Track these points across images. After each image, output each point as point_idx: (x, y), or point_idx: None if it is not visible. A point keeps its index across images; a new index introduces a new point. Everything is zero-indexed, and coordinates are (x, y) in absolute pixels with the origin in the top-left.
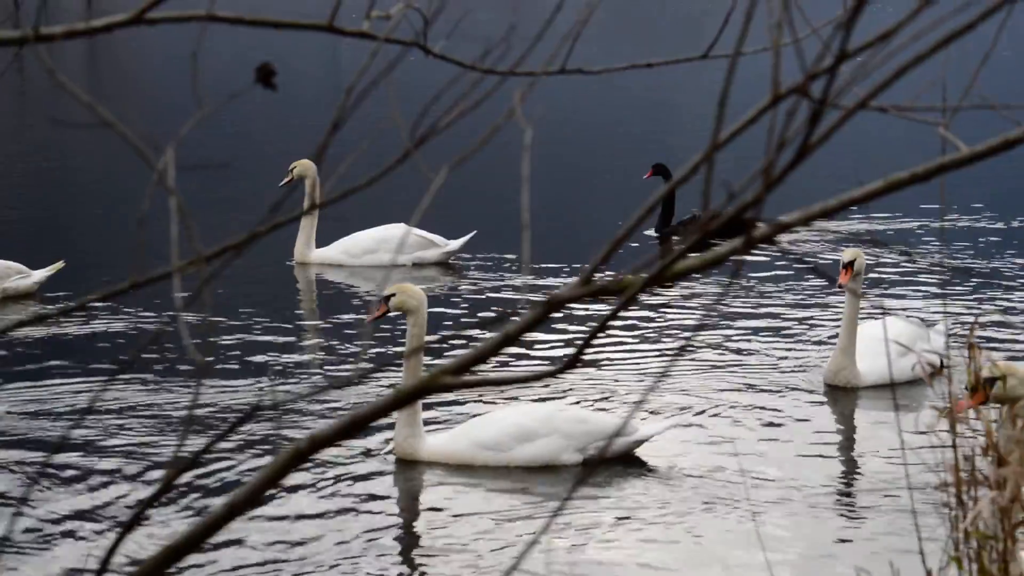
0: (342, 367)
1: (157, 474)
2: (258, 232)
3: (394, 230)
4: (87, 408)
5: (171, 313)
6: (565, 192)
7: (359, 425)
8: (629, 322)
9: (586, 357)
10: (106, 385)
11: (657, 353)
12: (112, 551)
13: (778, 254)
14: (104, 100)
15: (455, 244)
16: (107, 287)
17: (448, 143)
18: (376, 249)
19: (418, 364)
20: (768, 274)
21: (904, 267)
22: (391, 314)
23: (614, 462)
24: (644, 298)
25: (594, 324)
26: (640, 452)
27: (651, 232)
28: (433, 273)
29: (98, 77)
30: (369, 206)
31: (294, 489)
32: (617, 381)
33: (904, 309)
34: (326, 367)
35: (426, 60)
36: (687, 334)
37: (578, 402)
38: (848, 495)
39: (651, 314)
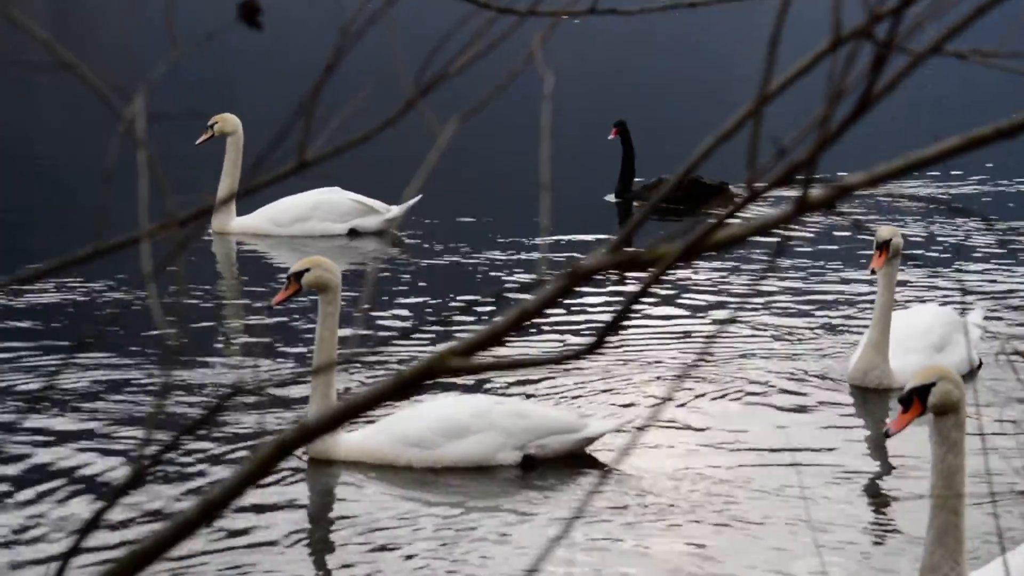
0: (270, 354)
1: (118, 461)
2: (235, 193)
3: (329, 195)
4: (39, 393)
5: (127, 287)
6: (578, 150)
7: (355, 412)
8: (647, 301)
9: (612, 338)
10: (61, 366)
11: (678, 338)
12: (69, 556)
13: (829, 224)
14: (68, 40)
15: (397, 210)
16: (66, 254)
17: (454, 93)
18: (308, 217)
19: (333, 351)
20: (802, 246)
21: (941, 243)
22: (303, 293)
23: (558, 463)
24: (669, 273)
25: (616, 301)
26: (596, 452)
27: (609, 197)
28: (373, 244)
29: (62, 16)
30: (340, 166)
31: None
32: (628, 366)
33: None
34: (248, 353)
35: None
36: (717, 317)
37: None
38: (882, 512)
39: (671, 292)
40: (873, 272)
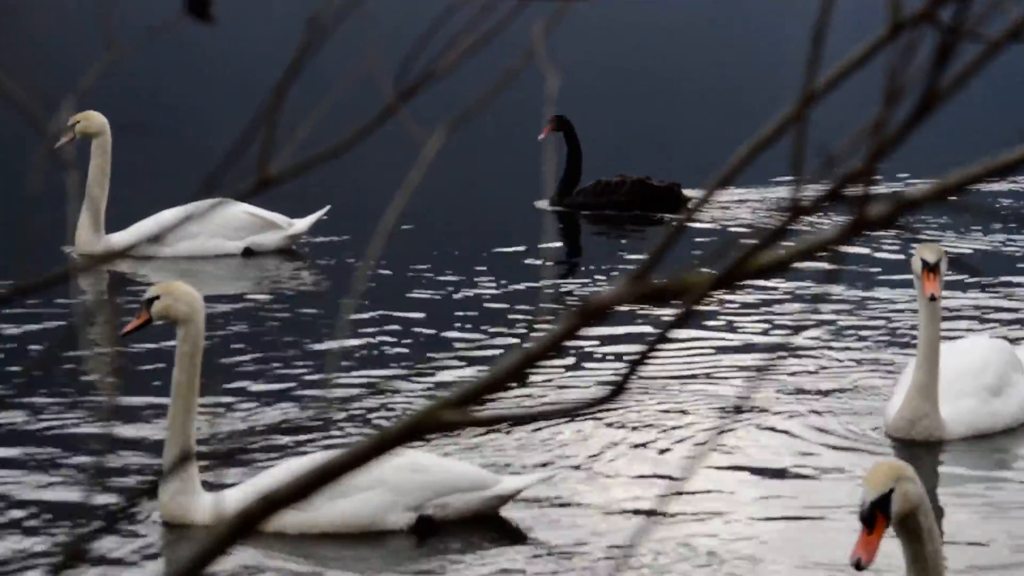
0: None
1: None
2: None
3: (219, 207)
4: None
5: (61, 325)
6: (520, 148)
7: (330, 478)
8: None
9: (633, 384)
10: None
11: (690, 379)
12: None
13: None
14: None
15: (301, 224)
16: None
17: (441, 95)
18: (195, 233)
19: (192, 396)
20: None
21: (1003, 257)
22: (156, 323)
23: (463, 526)
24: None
25: (635, 339)
26: (517, 514)
27: (543, 204)
28: (273, 264)
29: None
30: (317, 185)
31: (22, 567)
32: (646, 412)
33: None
34: (116, 397)
35: None
36: (760, 358)
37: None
38: None
39: (696, 325)
40: (933, 299)
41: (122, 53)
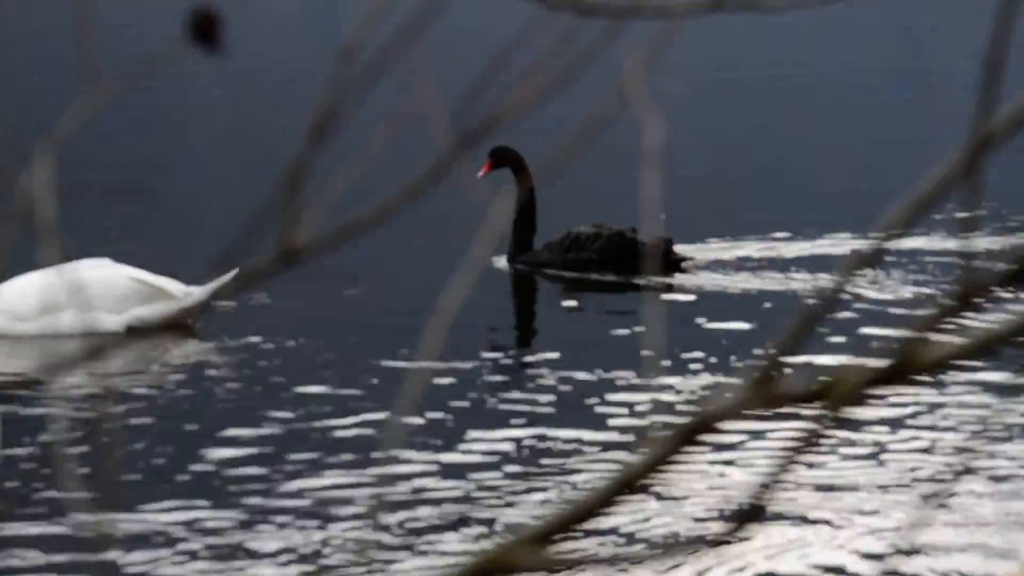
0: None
1: None
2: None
3: (96, 272)
4: None
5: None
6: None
7: None
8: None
9: (768, 512)
10: None
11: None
12: None
13: None
14: None
15: (199, 293)
16: None
17: (513, 143)
18: (65, 305)
19: None
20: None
21: None
22: None
23: None
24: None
25: (766, 452)
26: None
27: (500, 262)
28: (164, 346)
29: None
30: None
31: None
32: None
33: None
34: None
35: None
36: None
37: None
38: None
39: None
40: None
41: (110, 94)
